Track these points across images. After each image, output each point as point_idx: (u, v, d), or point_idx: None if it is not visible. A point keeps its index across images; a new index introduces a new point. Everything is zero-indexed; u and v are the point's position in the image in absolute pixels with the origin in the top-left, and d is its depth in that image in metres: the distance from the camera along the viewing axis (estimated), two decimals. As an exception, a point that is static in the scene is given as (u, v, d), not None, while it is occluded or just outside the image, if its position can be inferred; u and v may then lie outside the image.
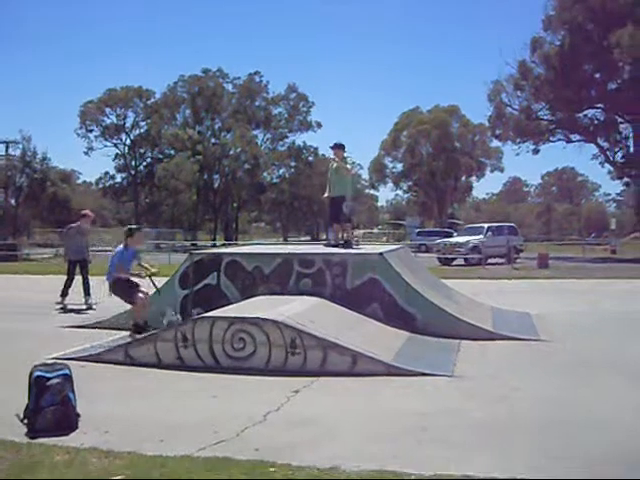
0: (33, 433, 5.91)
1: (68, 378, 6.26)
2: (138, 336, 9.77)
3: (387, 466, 5.03)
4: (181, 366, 8.55)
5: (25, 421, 6.02)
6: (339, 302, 10.47)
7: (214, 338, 8.53)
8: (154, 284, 11.26)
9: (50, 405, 6.01)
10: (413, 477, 4.84)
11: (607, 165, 53.44)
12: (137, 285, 10.86)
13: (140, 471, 4.97)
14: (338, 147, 13.12)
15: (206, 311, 9.71)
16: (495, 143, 61.95)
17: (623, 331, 11.38)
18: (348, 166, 13.57)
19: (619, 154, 50.32)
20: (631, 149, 48.09)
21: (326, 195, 13.23)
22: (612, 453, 5.32)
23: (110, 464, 5.13)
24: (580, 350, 9.63)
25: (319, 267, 11.10)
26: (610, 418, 6.26)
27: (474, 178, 77.28)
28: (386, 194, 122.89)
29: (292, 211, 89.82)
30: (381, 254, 11.13)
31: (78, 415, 6.20)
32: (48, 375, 6.15)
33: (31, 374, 6.21)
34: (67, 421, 6.04)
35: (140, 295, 10.68)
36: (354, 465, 5.05)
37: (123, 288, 10.70)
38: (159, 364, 8.65)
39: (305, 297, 10.47)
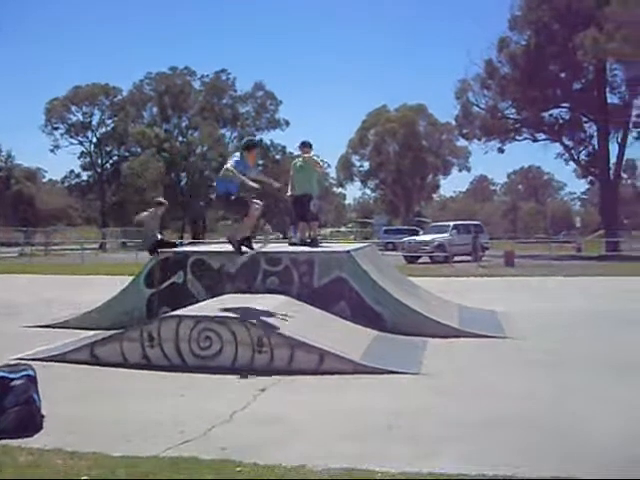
0: (-4, 434, 5.84)
1: (32, 379, 6.19)
2: (244, 249, 10.17)
3: (355, 464, 5.03)
4: (147, 365, 8.49)
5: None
6: (306, 300, 10.45)
7: (180, 337, 8.49)
8: None
9: (14, 406, 5.93)
10: (379, 476, 4.84)
11: (572, 164, 54.00)
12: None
13: (105, 472, 4.91)
14: (305, 145, 13.11)
15: (173, 310, 9.66)
16: (462, 142, 62.28)
17: (588, 327, 11.51)
18: (319, 161, 13.57)
19: (584, 153, 50.86)
20: (596, 148, 48.58)
21: (289, 193, 13.18)
22: (580, 449, 5.37)
23: (75, 465, 5.06)
24: (546, 347, 9.72)
25: (286, 265, 11.08)
26: (576, 412, 6.33)
27: (441, 177, 77.70)
28: (353, 192, 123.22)
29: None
30: (348, 252, 11.16)
31: (42, 416, 6.13)
32: (11, 376, 6.07)
33: (-6, 375, 6.13)
34: (31, 422, 5.97)
35: (256, 205, 9.94)
36: (322, 464, 5.05)
37: (238, 199, 9.84)
38: (125, 363, 8.59)
39: (272, 295, 10.46)
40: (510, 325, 11.40)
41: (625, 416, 6.21)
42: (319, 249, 11.98)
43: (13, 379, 6.04)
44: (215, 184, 10.26)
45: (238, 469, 4.97)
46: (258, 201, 9.96)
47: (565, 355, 9.17)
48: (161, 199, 14.72)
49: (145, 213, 13.21)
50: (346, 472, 4.91)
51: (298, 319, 9.37)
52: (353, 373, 7.99)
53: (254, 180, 9.67)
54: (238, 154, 9.96)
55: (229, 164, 9.61)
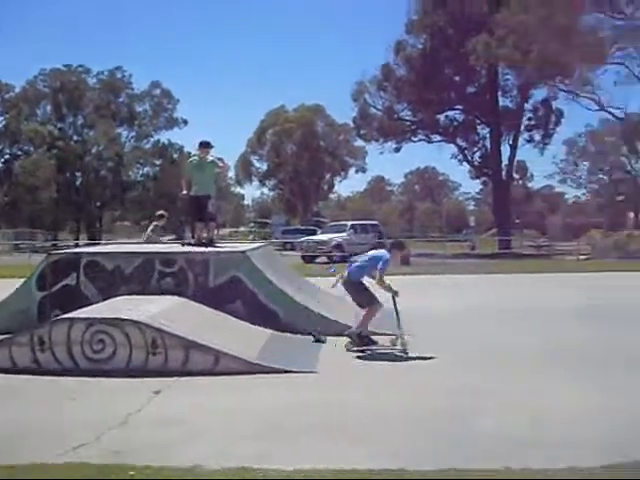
0: None
1: None
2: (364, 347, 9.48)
3: (250, 464, 5.04)
4: (38, 370, 8.28)
5: None
6: (202, 301, 10.37)
7: (72, 340, 8.32)
8: (395, 305, 9.76)
9: None
10: (273, 475, 4.88)
11: (466, 164, 55.36)
12: None
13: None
14: (205, 145, 12.99)
15: (65, 313, 9.44)
16: (359, 142, 63.00)
17: (478, 322, 11.87)
18: (220, 164, 13.44)
19: (477, 154, 52.25)
20: (488, 149, 49.97)
21: (185, 193, 13.02)
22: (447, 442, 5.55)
23: (-42, 474, 4.93)
24: (438, 343, 9.97)
25: (181, 266, 10.98)
26: (463, 405, 6.54)
27: (338, 177, 78.34)
28: (252, 192, 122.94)
29: (157, 209, 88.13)
30: (244, 252, 11.16)
31: None
32: None
33: None
34: None
35: (379, 302, 9.79)
36: (216, 465, 5.06)
37: (369, 291, 9.85)
38: (13, 368, 8.35)
39: (167, 297, 10.34)
40: (404, 322, 11.58)
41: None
42: (214, 249, 11.93)
43: None
44: None
45: (131, 472, 4.91)
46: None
47: (455, 349, 9.43)
48: (162, 212, 15.16)
49: (150, 230, 13.73)
50: (241, 471, 4.93)
51: (193, 320, 9.33)
52: (249, 373, 8.00)
53: None
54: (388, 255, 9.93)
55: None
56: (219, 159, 13.21)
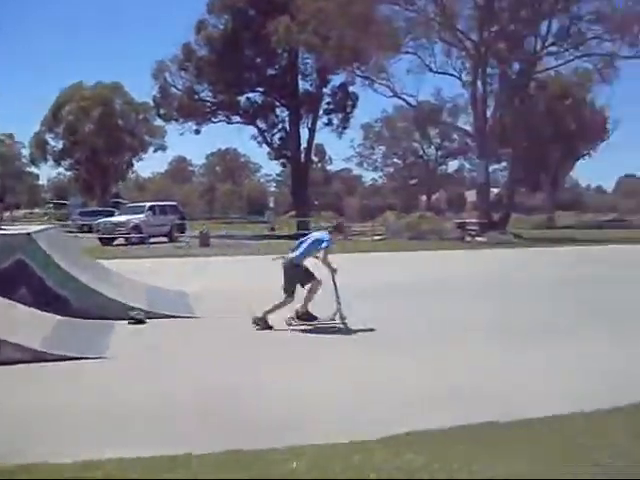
0: None
1: None
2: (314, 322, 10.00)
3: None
4: None
5: None
6: (-17, 287, 9.77)
7: None
8: (334, 281, 10.10)
9: None
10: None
11: (265, 146, 55.75)
12: None
13: None
14: None
15: None
16: (159, 122, 61.87)
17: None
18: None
19: (277, 136, 52.75)
20: (288, 132, 50.58)
21: None
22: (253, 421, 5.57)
23: None
24: (228, 322, 10.01)
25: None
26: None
27: (138, 157, 76.62)
28: (48, 172, 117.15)
29: None
30: (29, 234, 10.58)
31: None
32: None
33: None
34: None
35: (318, 279, 10.12)
36: None
37: (308, 271, 10.15)
38: None
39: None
40: (199, 305, 11.51)
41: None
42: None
43: None
44: None
45: None
46: None
47: (241, 332, 9.50)
48: None
49: None
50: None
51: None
52: (35, 361, 7.63)
53: None
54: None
55: None
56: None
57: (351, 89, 50.65)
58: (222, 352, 8.39)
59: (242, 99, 51.18)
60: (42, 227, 12.86)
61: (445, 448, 4.83)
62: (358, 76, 45.41)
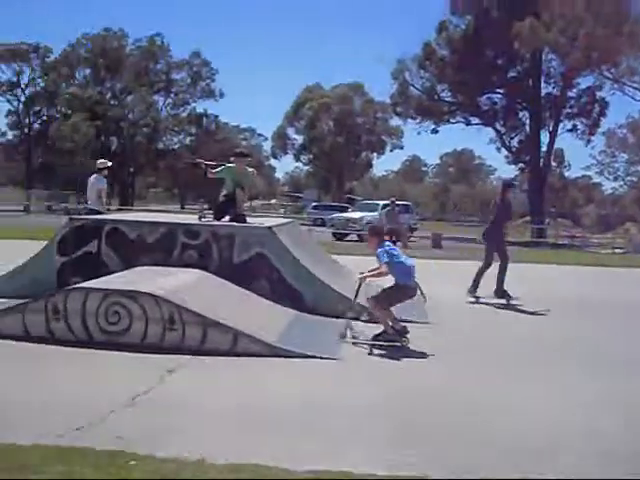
0: None
1: None
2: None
3: (254, 459, 4.67)
4: (51, 340, 7.97)
5: None
6: (225, 277, 9.98)
7: (87, 310, 7.98)
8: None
9: None
10: (283, 475, 4.51)
11: (503, 150, 54.49)
12: None
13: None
14: (243, 156, 11.99)
15: (85, 280, 9.11)
16: (396, 121, 62.31)
17: (511, 315, 11.42)
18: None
19: (515, 140, 51.41)
20: (527, 135, 49.09)
21: (199, 161, 12.13)
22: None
23: (-50, 451, 4.60)
24: (467, 335, 9.55)
25: (205, 239, 10.59)
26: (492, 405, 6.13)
27: (374, 155, 77.70)
28: (286, 166, 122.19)
29: (189, 178, 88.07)
30: (270, 228, 10.73)
31: None
32: None
33: None
34: None
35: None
36: (223, 459, 4.68)
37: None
38: (27, 337, 8.04)
39: (189, 270, 9.99)
40: (434, 310, 11.16)
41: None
42: (239, 224, 11.49)
43: None
44: None
45: (132, 462, 4.55)
46: None
47: (484, 344, 9.01)
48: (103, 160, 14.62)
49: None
50: (250, 467, 4.57)
51: (214, 296, 8.96)
52: (268, 356, 7.63)
53: None
54: None
55: None
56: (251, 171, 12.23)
57: (598, 94, 48.23)
58: (462, 363, 7.97)
59: (482, 100, 50.29)
60: (283, 221, 13.03)
61: None
62: (607, 78, 43.14)
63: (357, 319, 9.61)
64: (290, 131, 76.52)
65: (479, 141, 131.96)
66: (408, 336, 8.64)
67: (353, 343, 8.61)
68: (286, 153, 78.48)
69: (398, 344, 8.51)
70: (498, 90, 49.61)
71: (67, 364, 7.14)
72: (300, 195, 74.54)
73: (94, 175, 14.68)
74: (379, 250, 8.70)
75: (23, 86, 72.87)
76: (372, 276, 8.87)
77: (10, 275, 11.25)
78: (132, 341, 7.84)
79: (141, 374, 6.76)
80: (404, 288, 8.77)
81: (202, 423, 5.49)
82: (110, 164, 14.93)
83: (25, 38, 71.89)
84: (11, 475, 4.28)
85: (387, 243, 8.91)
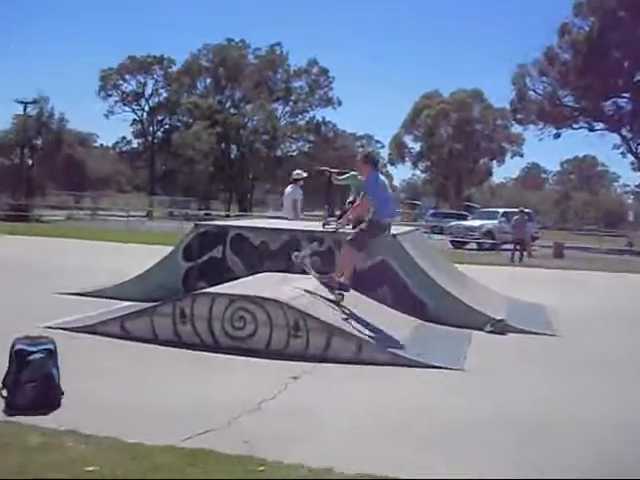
0: (12, 409, 5.52)
1: (51, 354, 5.82)
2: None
3: (382, 470, 4.58)
4: (178, 343, 8.14)
5: (4, 394, 5.63)
6: (347, 284, 9.98)
7: (214, 315, 8.13)
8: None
9: (30, 381, 5.59)
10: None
11: (629, 156, 52.56)
12: None
13: (114, 461, 4.52)
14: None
15: (210, 285, 9.29)
16: (516, 128, 61.11)
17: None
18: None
19: (643, 145, 49.53)
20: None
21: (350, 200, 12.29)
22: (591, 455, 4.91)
23: (86, 450, 4.70)
24: (592, 348, 9.19)
25: (329, 246, 10.64)
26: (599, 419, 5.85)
27: (494, 162, 76.41)
28: (402, 174, 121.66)
29: (307, 184, 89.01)
30: (394, 236, 10.66)
31: (62, 393, 5.79)
32: (30, 349, 5.71)
33: (13, 346, 5.80)
34: (48, 399, 5.63)
35: None
36: (345, 466, 4.61)
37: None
38: (155, 339, 8.25)
39: (310, 276, 9.99)
40: (558, 322, 10.82)
41: None
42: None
43: (31, 352, 5.69)
44: None
45: (260, 468, 4.55)
46: None
47: (612, 359, 8.62)
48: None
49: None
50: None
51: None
52: (392, 365, 7.55)
53: None
54: None
55: None
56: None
57: None
58: (576, 378, 7.66)
59: (606, 105, 48.68)
60: (406, 229, 12.92)
61: None
62: None
63: (494, 332, 9.52)
64: (407, 138, 76.19)
65: (601, 147, 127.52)
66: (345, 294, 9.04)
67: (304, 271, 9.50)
68: (404, 160, 78.14)
69: (339, 294, 9.00)
70: (624, 94, 47.90)
71: (193, 368, 7.25)
72: (418, 202, 74.03)
73: (290, 185, 14.94)
74: (366, 182, 9.19)
75: (147, 96, 75.36)
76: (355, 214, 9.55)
77: (137, 279, 11.60)
78: (257, 347, 7.92)
79: (266, 380, 6.80)
80: (378, 223, 9.06)
81: (327, 431, 5.46)
82: (306, 175, 15.18)
83: (150, 51, 73.65)
84: (145, 476, 4.35)
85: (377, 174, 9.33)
